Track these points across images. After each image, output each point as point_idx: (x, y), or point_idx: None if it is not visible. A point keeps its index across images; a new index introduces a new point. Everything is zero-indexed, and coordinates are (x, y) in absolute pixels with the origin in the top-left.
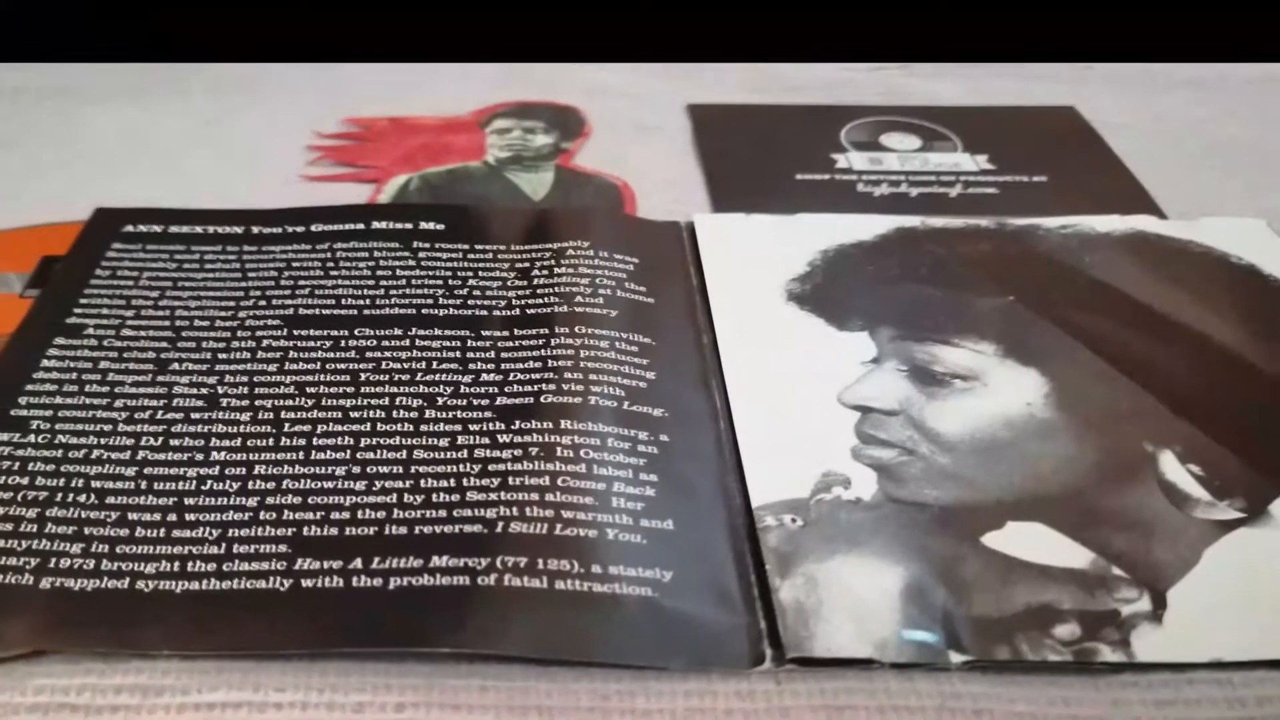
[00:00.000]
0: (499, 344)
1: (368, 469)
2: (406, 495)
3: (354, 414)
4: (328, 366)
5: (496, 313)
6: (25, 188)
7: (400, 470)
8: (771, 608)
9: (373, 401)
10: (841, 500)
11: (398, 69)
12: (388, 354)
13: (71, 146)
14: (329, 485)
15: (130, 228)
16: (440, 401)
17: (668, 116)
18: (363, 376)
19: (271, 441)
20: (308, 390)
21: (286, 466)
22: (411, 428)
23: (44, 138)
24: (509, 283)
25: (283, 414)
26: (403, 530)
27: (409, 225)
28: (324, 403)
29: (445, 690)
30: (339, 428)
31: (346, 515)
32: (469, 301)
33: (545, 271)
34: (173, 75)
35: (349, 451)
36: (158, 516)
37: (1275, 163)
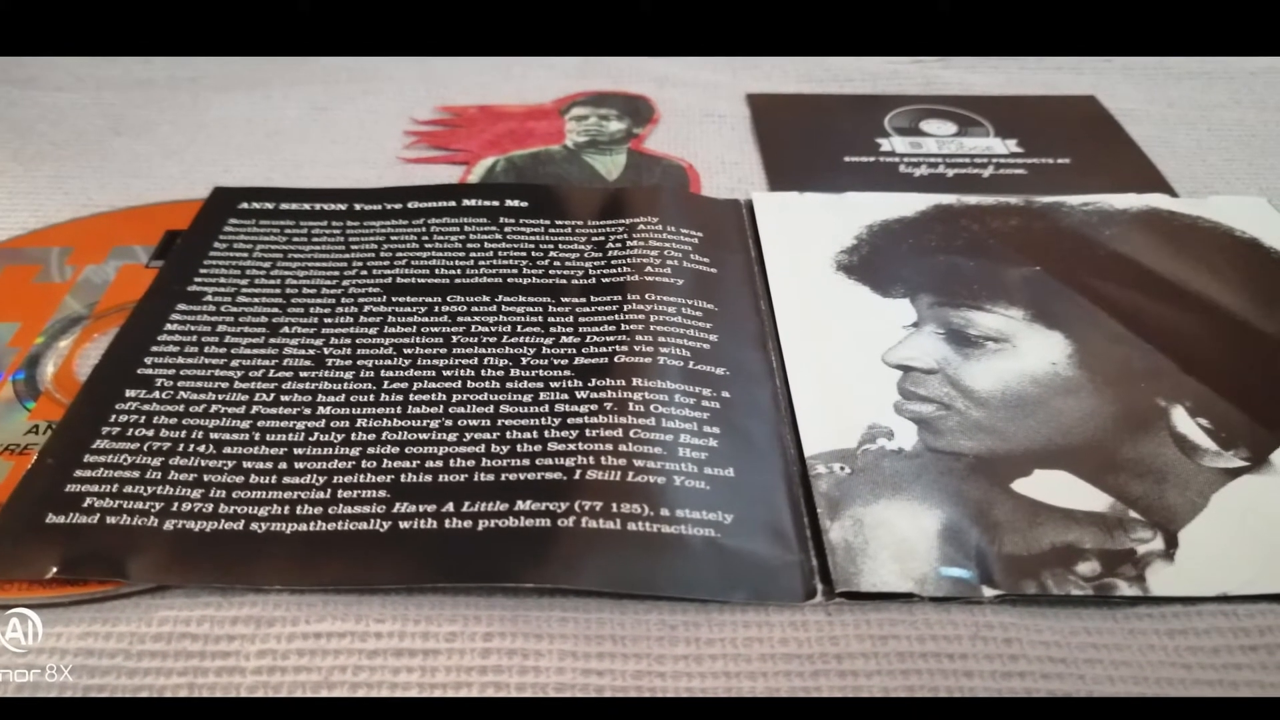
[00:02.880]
0: (577, 309)
1: (459, 422)
2: (494, 446)
3: (446, 372)
4: (423, 330)
5: (575, 281)
6: (154, 168)
7: (488, 423)
8: (822, 547)
9: (463, 361)
10: (885, 450)
11: (486, 61)
12: (477, 319)
13: (196, 131)
14: (424, 437)
15: (245, 205)
16: (524, 361)
17: (729, 105)
18: (454, 339)
19: (372, 397)
20: (405, 351)
21: (385, 420)
22: (498, 385)
23: (172, 124)
24: (586, 254)
25: (382, 373)
26: (490, 477)
27: (496, 202)
28: (419, 362)
29: (529, 621)
30: (433, 385)
31: (440, 464)
32: (550, 271)
33: (618, 244)
34: (287, 67)
35: (442, 406)
36: (269, 465)
37: (1276, 146)
